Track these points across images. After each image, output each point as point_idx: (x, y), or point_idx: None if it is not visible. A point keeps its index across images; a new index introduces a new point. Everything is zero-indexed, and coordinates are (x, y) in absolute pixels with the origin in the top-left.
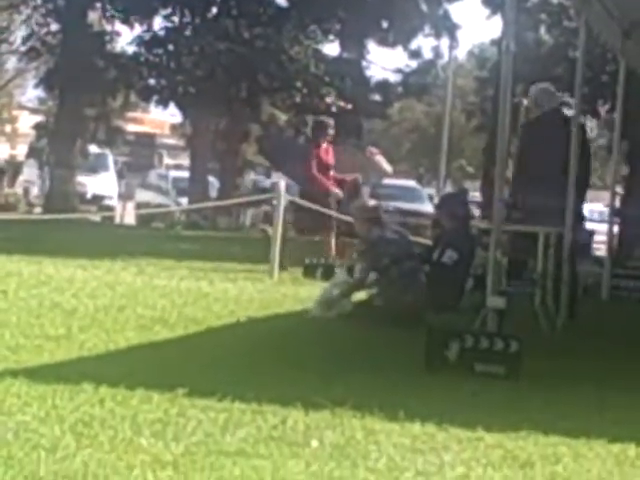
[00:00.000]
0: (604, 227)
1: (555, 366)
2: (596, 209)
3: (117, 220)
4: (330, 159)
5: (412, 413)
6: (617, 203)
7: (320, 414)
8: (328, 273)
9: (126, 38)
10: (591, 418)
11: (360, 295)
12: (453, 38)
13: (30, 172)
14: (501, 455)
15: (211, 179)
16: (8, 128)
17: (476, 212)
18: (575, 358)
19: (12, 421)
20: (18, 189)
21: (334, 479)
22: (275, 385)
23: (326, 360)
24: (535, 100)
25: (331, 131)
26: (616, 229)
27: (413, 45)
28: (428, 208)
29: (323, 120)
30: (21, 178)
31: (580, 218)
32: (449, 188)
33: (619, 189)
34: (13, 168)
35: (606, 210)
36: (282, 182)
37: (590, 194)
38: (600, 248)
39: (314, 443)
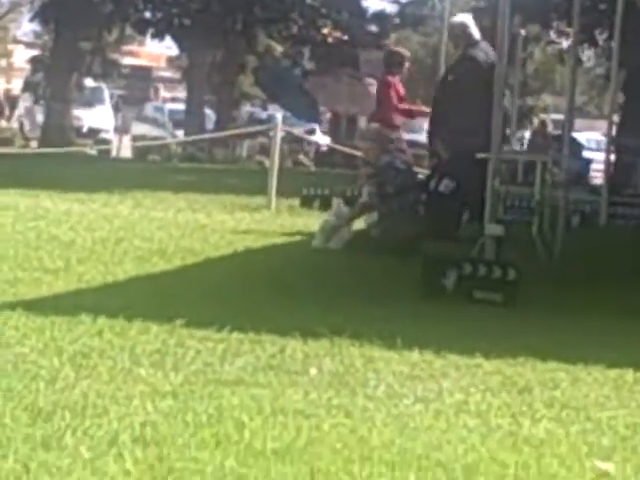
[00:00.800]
0: (601, 156)
1: (552, 293)
2: (593, 138)
3: (113, 153)
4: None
5: (410, 341)
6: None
7: (319, 343)
8: (326, 204)
9: None
10: (589, 344)
11: (358, 225)
12: None
13: (26, 106)
14: (499, 381)
15: (207, 111)
16: (3, 62)
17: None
18: (573, 285)
19: (11, 353)
20: (14, 123)
21: (333, 407)
22: (273, 315)
23: (324, 289)
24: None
25: (406, 64)
26: (613, 157)
27: None
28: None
29: (399, 51)
30: (17, 112)
31: None
32: None
33: (616, 118)
34: (9, 102)
35: (603, 139)
36: (279, 114)
37: (587, 123)
38: (597, 177)
39: (313, 371)
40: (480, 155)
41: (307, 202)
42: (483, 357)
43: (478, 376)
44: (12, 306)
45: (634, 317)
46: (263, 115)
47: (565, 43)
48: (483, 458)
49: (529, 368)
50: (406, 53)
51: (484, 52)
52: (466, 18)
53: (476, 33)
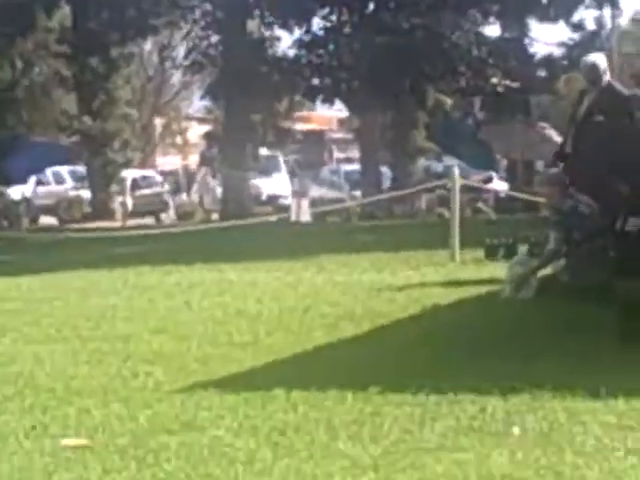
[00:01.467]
0: None
1: None
2: None
3: (293, 217)
4: None
5: (615, 390)
6: None
7: (519, 398)
8: (510, 253)
9: (286, 42)
10: None
11: (545, 271)
12: (615, 6)
13: (203, 180)
14: None
15: (383, 169)
16: (179, 139)
17: None
18: None
19: (206, 436)
20: (194, 197)
21: (542, 467)
22: (469, 373)
23: (519, 342)
24: None
25: None
26: None
27: (575, 17)
28: None
29: None
30: (195, 187)
31: None
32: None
33: None
34: (188, 178)
35: None
36: (456, 165)
37: None
38: None
39: (516, 430)
40: None
41: (491, 252)
42: None
43: None
44: (204, 386)
45: None
46: (439, 167)
47: None
48: None
49: None
50: None
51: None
52: (598, 58)
53: (606, 73)
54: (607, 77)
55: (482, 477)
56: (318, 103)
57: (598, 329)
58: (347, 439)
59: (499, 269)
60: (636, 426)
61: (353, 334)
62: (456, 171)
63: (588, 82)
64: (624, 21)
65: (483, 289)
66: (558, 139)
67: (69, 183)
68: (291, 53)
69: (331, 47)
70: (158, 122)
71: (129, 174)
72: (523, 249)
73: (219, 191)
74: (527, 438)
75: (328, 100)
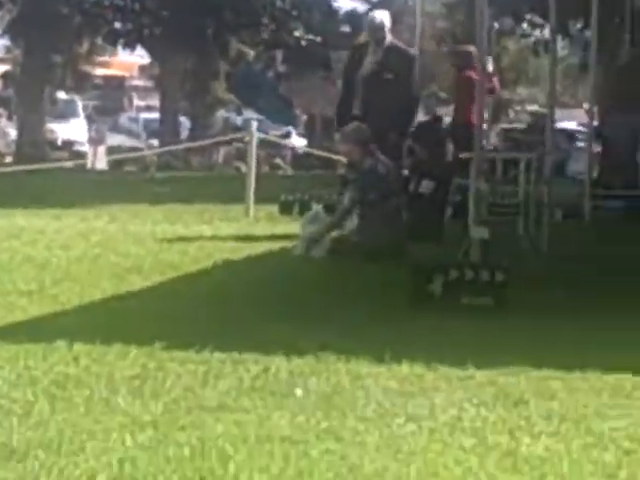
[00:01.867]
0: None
1: (542, 295)
2: (569, 127)
3: (89, 165)
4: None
5: (399, 354)
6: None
7: (303, 360)
8: (305, 209)
9: None
10: (583, 348)
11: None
12: None
13: None
14: (493, 393)
15: (182, 119)
16: None
17: None
18: (561, 285)
19: None
20: None
21: (322, 431)
22: (255, 331)
23: (306, 302)
24: None
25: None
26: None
27: None
28: None
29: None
30: None
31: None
32: (421, 115)
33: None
34: None
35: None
36: (254, 118)
37: (563, 112)
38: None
39: (299, 392)
40: (464, 154)
41: (286, 208)
42: (475, 367)
43: (471, 389)
44: None
45: (628, 319)
46: (238, 120)
47: (539, 34)
48: None
49: (523, 377)
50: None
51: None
52: (384, 16)
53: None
54: (389, 36)
55: (261, 438)
56: (120, 48)
57: (388, 291)
58: (127, 394)
59: (293, 225)
60: (417, 392)
61: (141, 286)
62: (254, 125)
63: (372, 40)
64: None
65: (276, 245)
66: None
67: None
68: None
69: None
70: None
71: None
72: (317, 207)
73: (14, 134)
74: (309, 400)
75: (130, 45)
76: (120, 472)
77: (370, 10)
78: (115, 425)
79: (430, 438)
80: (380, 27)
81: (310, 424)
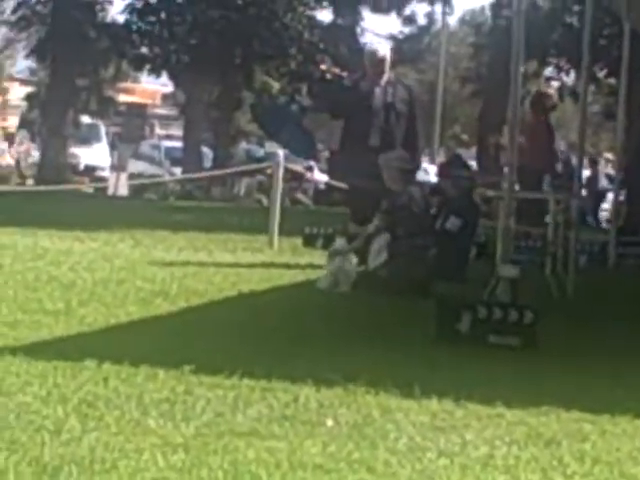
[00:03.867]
0: None
1: (570, 336)
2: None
3: (110, 191)
4: None
5: (428, 389)
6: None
7: (332, 391)
8: (329, 242)
9: (118, 7)
10: (613, 392)
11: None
12: (447, 4)
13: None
14: (525, 432)
15: (204, 149)
16: None
17: None
18: (589, 328)
19: (13, 402)
20: (11, 161)
21: (354, 462)
22: (283, 361)
23: (333, 334)
24: None
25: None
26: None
27: (407, 11)
28: (425, 177)
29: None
30: (13, 150)
31: None
32: (442, 157)
33: (610, 156)
34: (6, 140)
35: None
36: (280, 150)
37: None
38: None
39: (329, 422)
40: (491, 193)
41: (310, 241)
42: (504, 406)
43: (502, 427)
44: (13, 351)
45: None
46: (260, 152)
47: (564, 79)
48: None
49: (553, 418)
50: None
51: None
52: (387, 50)
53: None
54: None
55: (294, 466)
56: (144, 77)
57: (413, 325)
58: (158, 416)
59: (317, 258)
60: (448, 428)
61: (167, 311)
62: (280, 155)
63: (375, 72)
64: (452, 20)
65: (300, 277)
66: None
67: None
68: (122, 18)
69: (163, 16)
70: None
71: None
72: (342, 240)
73: (37, 156)
74: (340, 431)
75: (155, 70)
76: None
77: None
78: (147, 446)
79: (463, 473)
80: (382, 60)
81: (342, 454)
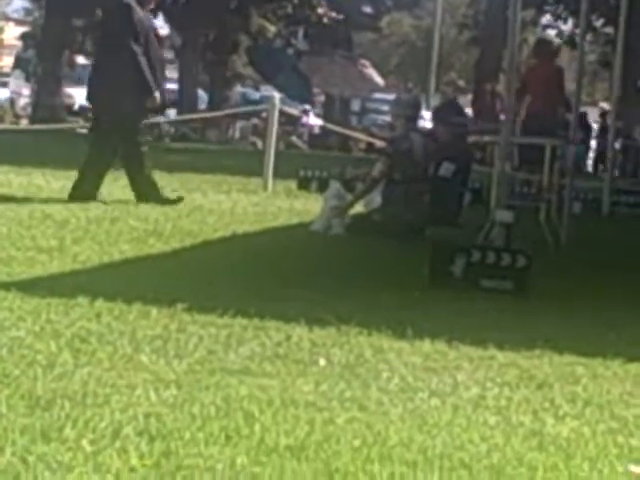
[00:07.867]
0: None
1: (563, 282)
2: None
3: None
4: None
5: (420, 330)
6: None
7: (325, 331)
8: (323, 186)
9: None
10: (604, 335)
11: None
12: None
13: (16, 83)
14: (517, 375)
15: (200, 92)
16: None
17: None
18: (582, 274)
19: (6, 336)
20: (5, 100)
21: (346, 400)
22: (276, 300)
23: (327, 275)
24: None
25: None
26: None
27: None
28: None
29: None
30: (7, 89)
31: None
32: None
33: (606, 105)
34: None
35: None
36: (275, 95)
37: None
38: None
39: (322, 361)
40: (489, 138)
41: (304, 184)
42: (497, 348)
43: (493, 369)
44: (6, 286)
45: None
46: (256, 96)
47: (562, 27)
48: (509, 459)
49: (546, 361)
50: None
51: None
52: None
53: None
54: None
55: (286, 403)
56: None
57: (407, 269)
58: (151, 353)
59: (311, 201)
60: (440, 369)
61: (161, 250)
62: (276, 98)
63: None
64: None
65: (294, 219)
66: (378, 79)
67: None
68: None
69: None
70: None
71: None
72: (336, 183)
73: (28, 96)
74: (332, 370)
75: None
76: (146, 426)
77: None
78: (139, 381)
79: (454, 414)
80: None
81: (334, 393)
